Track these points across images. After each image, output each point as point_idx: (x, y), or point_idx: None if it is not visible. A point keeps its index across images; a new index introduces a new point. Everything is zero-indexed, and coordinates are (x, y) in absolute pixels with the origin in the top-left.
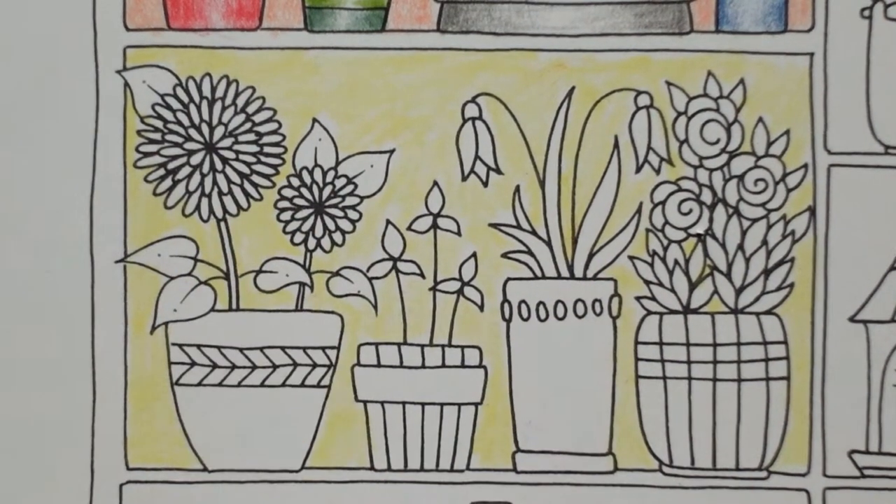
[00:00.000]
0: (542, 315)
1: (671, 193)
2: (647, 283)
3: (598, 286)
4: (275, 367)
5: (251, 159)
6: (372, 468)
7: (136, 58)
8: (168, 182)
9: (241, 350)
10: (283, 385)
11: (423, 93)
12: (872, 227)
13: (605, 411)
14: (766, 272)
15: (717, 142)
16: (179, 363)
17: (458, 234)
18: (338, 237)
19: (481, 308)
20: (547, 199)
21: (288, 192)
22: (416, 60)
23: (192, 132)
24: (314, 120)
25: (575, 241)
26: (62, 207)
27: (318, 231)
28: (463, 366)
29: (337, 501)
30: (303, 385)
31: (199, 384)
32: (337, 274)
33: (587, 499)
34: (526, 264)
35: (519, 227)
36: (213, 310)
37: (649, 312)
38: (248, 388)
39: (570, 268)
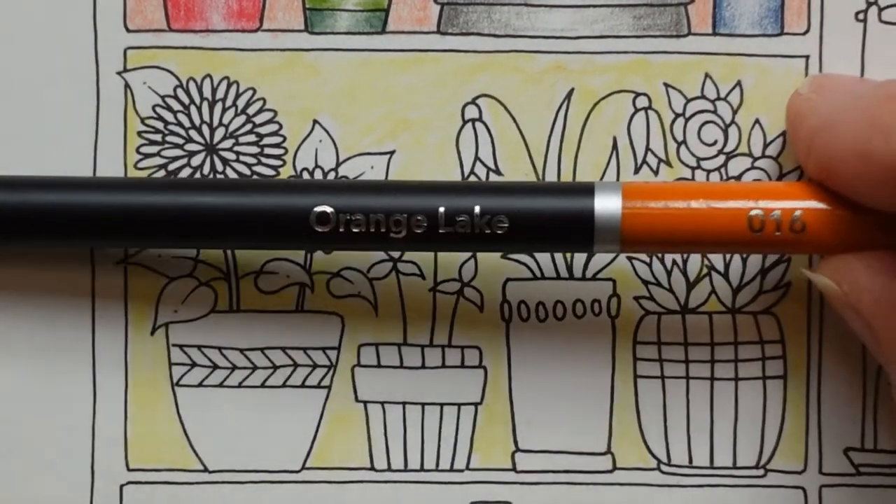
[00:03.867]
0: (542, 315)
1: None
2: (646, 283)
3: (597, 287)
4: (275, 367)
5: (252, 160)
6: (372, 468)
7: (137, 59)
8: None
9: (241, 351)
10: (284, 385)
11: (423, 94)
12: None
13: (604, 411)
14: (763, 272)
15: (715, 143)
16: (180, 364)
17: None
18: None
19: (481, 309)
20: None
21: None
22: (416, 62)
23: (193, 133)
24: (315, 121)
25: None
26: None
27: None
28: (463, 366)
29: (337, 501)
30: (303, 385)
31: (200, 385)
32: (337, 275)
33: (586, 497)
34: (525, 265)
35: None
36: (213, 311)
37: (647, 312)
38: (249, 388)
39: (570, 268)
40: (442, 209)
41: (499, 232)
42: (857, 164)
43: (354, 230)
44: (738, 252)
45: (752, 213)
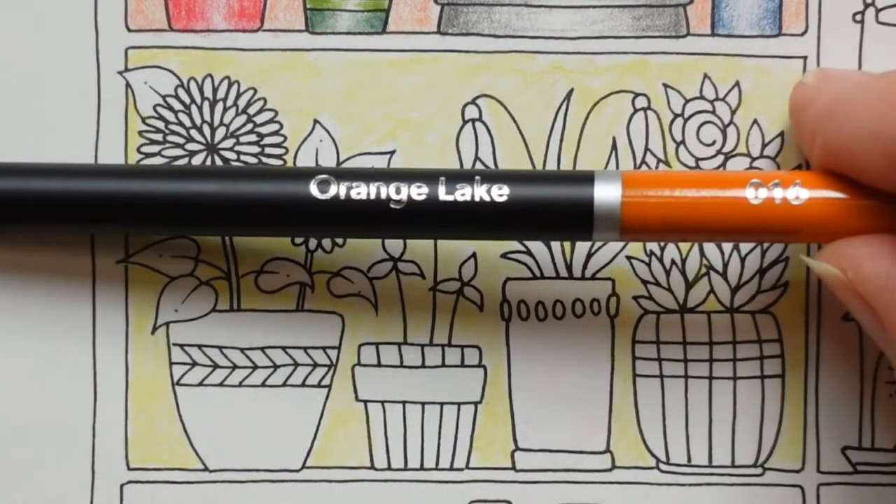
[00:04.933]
0: (541, 315)
1: None
2: (645, 282)
3: (596, 286)
4: (276, 367)
5: (252, 160)
6: (372, 467)
7: (138, 59)
8: None
9: (242, 350)
10: (284, 385)
11: (423, 94)
12: None
13: (603, 409)
14: (761, 272)
15: (713, 143)
16: (180, 363)
17: None
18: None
19: (481, 308)
20: None
21: None
22: (416, 62)
23: (194, 133)
24: (315, 121)
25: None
26: None
27: None
28: (462, 365)
29: (338, 500)
30: (303, 385)
31: (201, 384)
32: (338, 274)
33: (585, 496)
34: (525, 265)
35: None
36: (214, 310)
37: (646, 312)
38: (249, 388)
39: (569, 268)
40: (443, 177)
41: (498, 200)
42: (869, 141)
43: (355, 197)
44: (739, 238)
45: (751, 184)
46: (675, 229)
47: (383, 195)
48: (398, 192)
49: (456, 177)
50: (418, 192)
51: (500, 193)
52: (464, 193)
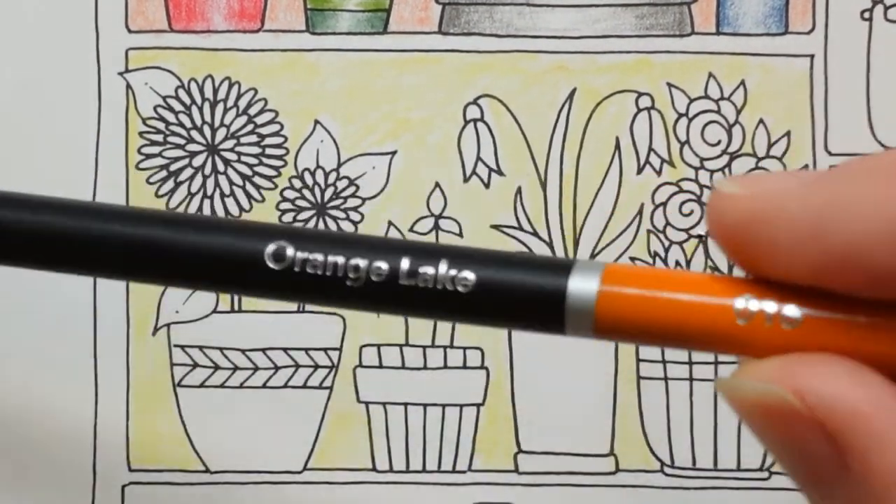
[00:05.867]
0: None
1: (672, 195)
2: None
3: None
4: (277, 368)
5: (253, 161)
6: (374, 469)
7: (138, 60)
8: (170, 184)
9: (243, 351)
10: (286, 386)
11: (424, 94)
12: None
13: (607, 412)
14: None
15: (719, 143)
16: (182, 365)
17: (460, 235)
18: None
19: None
20: (548, 200)
21: (290, 194)
22: (417, 62)
23: (195, 134)
24: (316, 122)
25: (576, 243)
26: None
27: None
28: (465, 367)
29: (339, 502)
30: (305, 386)
31: (202, 386)
32: None
33: (589, 499)
34: None
35: (520, 228)
36: (215, 311)
37: None
38: (251, 389)
39: None
40: (407, 257)
41: (461, 290)
42: (890, 232)
43: (310, 271)
44: (724, 352)
45: (742, 297)
46: (654, 335)
47: (340, 272)
48: (356, 270)
49: (421, 254)
50: (378, 273)
51: (465, 283)
52: (426, 279)
